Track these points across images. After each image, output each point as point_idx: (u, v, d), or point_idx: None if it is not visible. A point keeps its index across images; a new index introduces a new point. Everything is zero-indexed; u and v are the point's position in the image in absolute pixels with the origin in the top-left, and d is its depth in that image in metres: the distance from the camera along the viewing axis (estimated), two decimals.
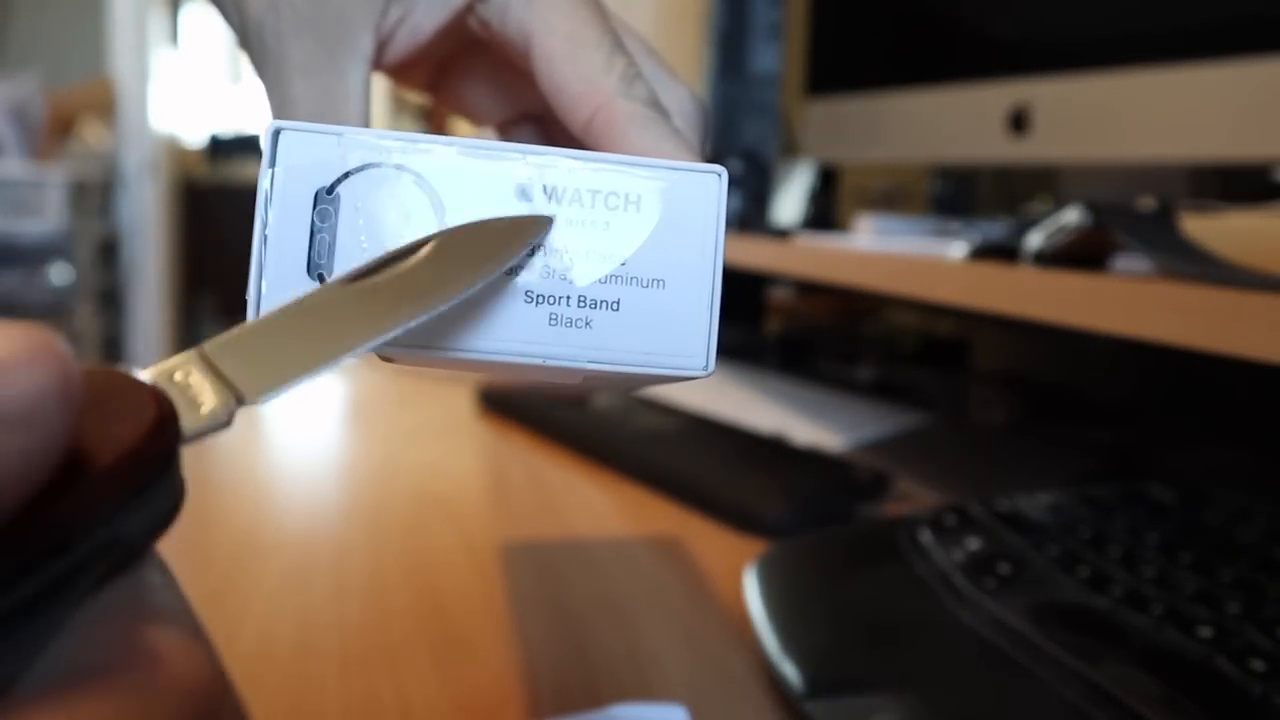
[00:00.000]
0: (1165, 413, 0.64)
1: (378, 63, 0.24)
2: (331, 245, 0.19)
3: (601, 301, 0.19)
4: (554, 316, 0.19)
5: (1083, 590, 0.33)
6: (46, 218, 2.06)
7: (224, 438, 0.41)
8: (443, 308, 0.17)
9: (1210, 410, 0.60)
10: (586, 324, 0.19)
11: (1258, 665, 0.27)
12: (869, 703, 0.28)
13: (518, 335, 0.19)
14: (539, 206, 0.19)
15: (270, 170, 0.19)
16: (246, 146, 2.94)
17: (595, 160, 0.19)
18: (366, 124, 0.23)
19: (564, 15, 0.22)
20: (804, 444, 0.57)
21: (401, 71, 0.28)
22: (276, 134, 0.19)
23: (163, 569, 0.14)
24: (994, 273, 0.44)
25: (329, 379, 0.78)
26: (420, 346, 0.19)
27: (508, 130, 0.30)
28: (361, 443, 0.63)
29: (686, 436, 0.57)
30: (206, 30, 3.18)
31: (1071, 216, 0.44)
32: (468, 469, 0.56)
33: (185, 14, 3.09)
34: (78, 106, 2.27)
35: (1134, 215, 0.43)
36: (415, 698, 0.31)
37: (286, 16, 0.22)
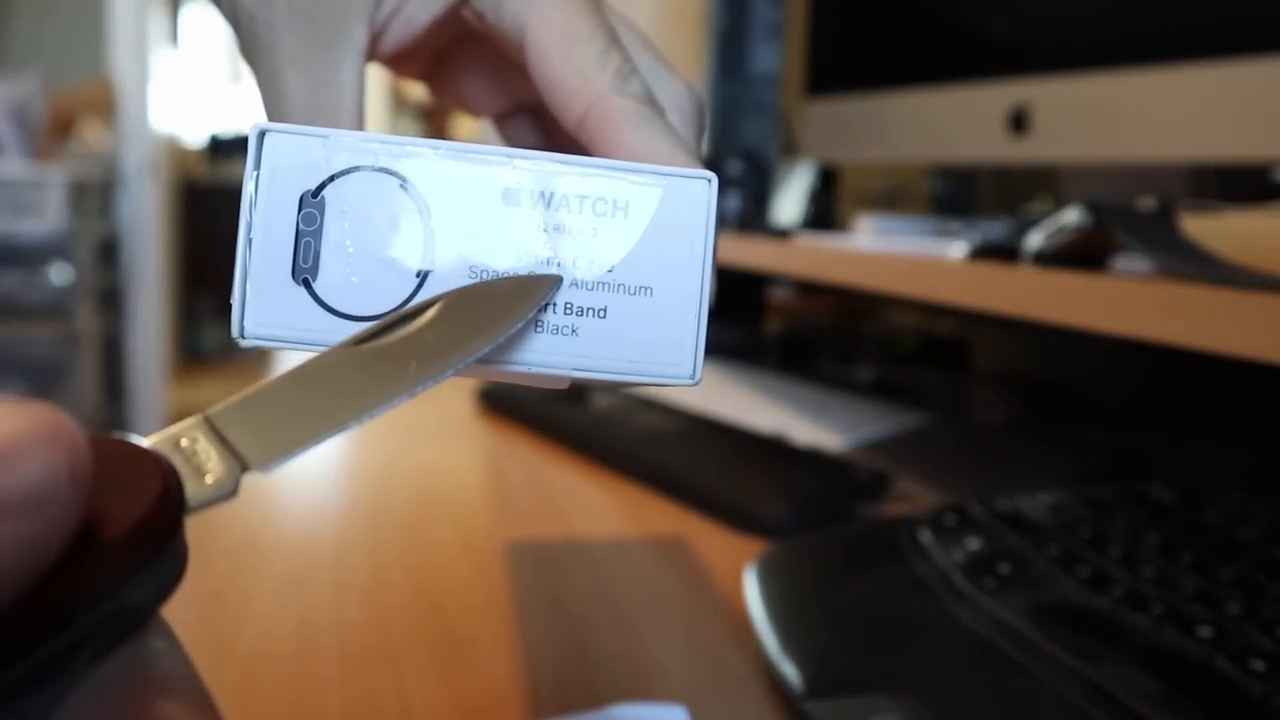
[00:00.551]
0: (1165, 413, 0.64)
1: (372, 54, 0.23)
2: (317, 249, 0.18)
3: (588, 309, 0.19)
4: (540, 324, 0.19)
5: (1083, 590, 0.33)
6: (46, 218, 2.06)
7: None
8: (450, 372, 0.17)
9: (1210, 410, 0.60)
10: (573, 331, 0.19)
11: (1258, 665, 0.27)
12: (869, 703, 0.28)
13: (504, 342, 0.19)
14: (526, 211, 0.19)
15: (255, 173, 0.18)
16: (246, 146, 2.94)
17: (583, 165, 0.19)
18: (361, 117, 0.23)
19: (558, 9, 0.22)
20: (804, 444, 0.57)
21: (396, 63, 0.27)
22: (261, 136, 0.19)
23: (167, 634, 0.14)
24: (994, 273, 0.44)
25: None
26: None
27: (505, 122, 0.30)
28: (361, 442, 0.63)
29: (686, 436, 0.57)
30: (206, 30, 3.19)
31: (1071, 216, 0.44)
32: (468, 469, 0.56)
33: (185, 14, 3.09)
34: (78, 106, 2.27)
35: (1134, 215, 0.43)
36: (415, 697, 0.31)
37: (279, 8, 0.22)
